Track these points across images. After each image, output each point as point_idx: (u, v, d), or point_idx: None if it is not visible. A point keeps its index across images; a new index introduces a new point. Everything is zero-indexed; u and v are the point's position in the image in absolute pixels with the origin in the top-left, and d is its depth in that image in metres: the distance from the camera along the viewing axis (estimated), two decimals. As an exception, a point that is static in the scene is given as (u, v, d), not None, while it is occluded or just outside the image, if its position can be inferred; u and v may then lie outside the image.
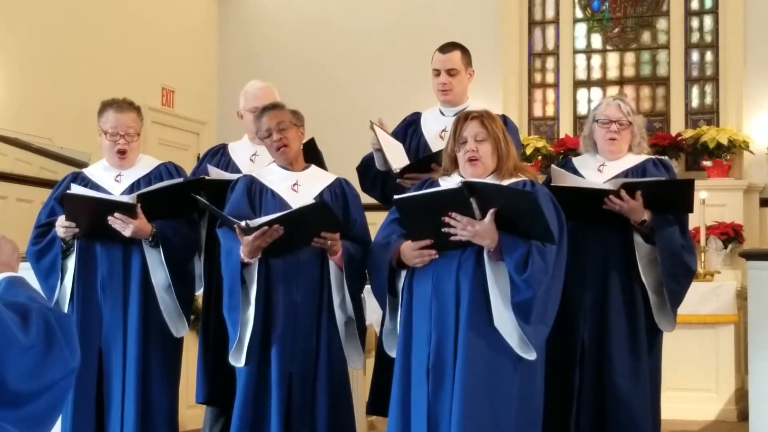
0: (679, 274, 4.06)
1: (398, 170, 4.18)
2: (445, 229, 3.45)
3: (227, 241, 3.92)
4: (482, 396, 3.41)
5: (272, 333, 3.89)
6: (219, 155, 4.72)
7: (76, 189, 4.23)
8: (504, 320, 3.43)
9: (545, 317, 3.50)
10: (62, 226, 4.16)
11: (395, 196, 3.91)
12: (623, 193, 3.94)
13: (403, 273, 3.65)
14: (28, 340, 1.59)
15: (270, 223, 3.75)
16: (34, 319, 1.62)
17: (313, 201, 3.90)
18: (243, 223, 3.79)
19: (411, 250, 3.57)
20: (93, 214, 4.15)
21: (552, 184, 4.12)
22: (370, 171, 4.40)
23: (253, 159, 4.57)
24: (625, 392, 4.02)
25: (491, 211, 3.42)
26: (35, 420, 1.61)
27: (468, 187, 3.46)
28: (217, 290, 4.51)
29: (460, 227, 3.43)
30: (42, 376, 1.60)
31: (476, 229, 3.41)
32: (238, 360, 3.87)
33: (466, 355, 3.42)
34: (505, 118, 4.21)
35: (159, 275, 4.21)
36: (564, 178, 4.21)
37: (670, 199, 4.04)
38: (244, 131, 4.76)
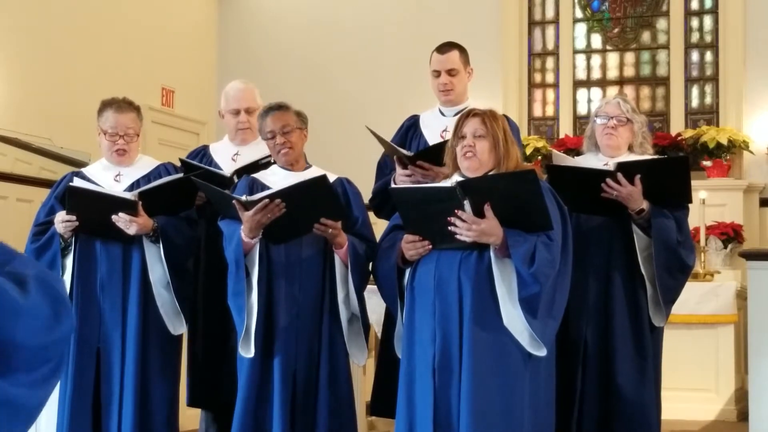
0: (674, 268, 4.05)
1: (411, 155, 4.17)
2: (450, 228, 3.45)
3: (229, 228, 3.91)
4: (491, 395, 3.40)
5: (275, 330, 3.88)
6: (200, 156, 4.73)
7: (78, 183, 4.23)
8: (513, 319, 3.42)
9: (553, 311, 3.49)
10: (62, 220, 4.16)
11: (391, 186, 3.91)
12: (620, 176, 3.94)
13: (408, 271, 3.65)
14: (28, 302, 1.62)
15: (271, 197, 3.74)
16: (32, 283, 1.66)
17: (314, 176, 3.89)
18: (243, 198, 3.78)
19: (406, 243, 3.57)
20: (94, 209, 4.15)
21: (552, 164, 4.14)
22: (386, 203, 4.31)
23: (234, 159, 4.57)
24: (630, 392, 4.01)
25: (487, 206, 3.41)
26: (44, 380, 1.65)
27: (462, 187, 3.46)
28: (204, 293, 4.53)
29: (465, 227, 3.42)
30: (53, 331, 1.63)
31: (482, 227, 3.40)
32: (247, 350, 3.84)
33: (472, 354, 3.41)
34: (506, 119, 4.21)
35: (157, 271, 4.21)
36: (564, 161, 4.23)
37: (666, 182, 4.02)
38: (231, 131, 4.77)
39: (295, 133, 4.06)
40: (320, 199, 3.82)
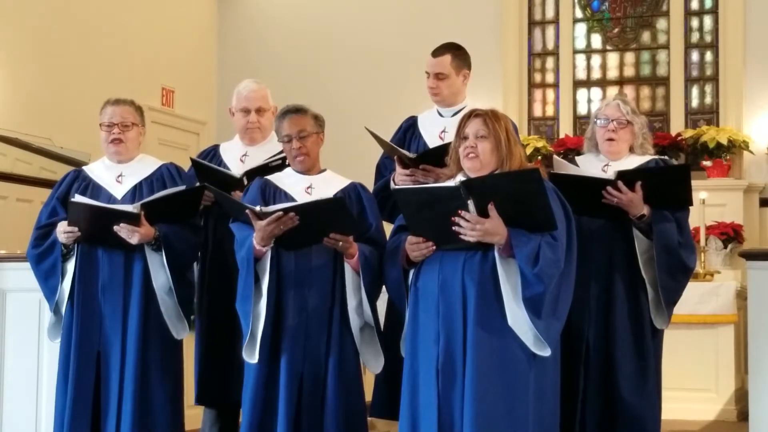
0: (676, 270, 4.05)
1: (414, 156, 4.17)
2: (454, 228, 3.44)
3: (241, 232, 3.89)
4: (495, 396, 3.40)
5: (283, 334, 3.86)
6: (210, 156, 4.74)
7: (80, 198, 4.22)
8: (518, 319, 3.41)
9: (557, 312, 3.48)
10: (64, 232, 4.17)
11: (395, 186, 3.90)
12: (621, 184, 3.94)
13: (412, 272, 3.65)
14: None
15: (285, 211, 3.74)
16: None
17: (332, 196, 3.88)
18: (257, 208, 3.77)
19: (410, 244, 3.57)
20: (96, 222, 4.15)
21: (553, 171, 4.13)
22: (386, 203, 4.33)
23: (243, 159, 4.57)
24: (631, 393, 4.01)
25: (491, 205, 3.41)
26: None
27: (466, 187, 3.46)
28: (211, 292, 4.53)
29: (469, 227, 3.41)
30: None
31: (486, 226, 3.40)
32: (252, 356, 3.82)
33: (475, 355, 3.41)
34: None
35: (160, 278, 4.21)
36: (565, 168, 4.23)
37: (667, 188, 4.03)
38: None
39: (311, 138, 4.03)
40: (336, 217, 3.80)
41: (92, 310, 4.21)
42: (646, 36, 9.48)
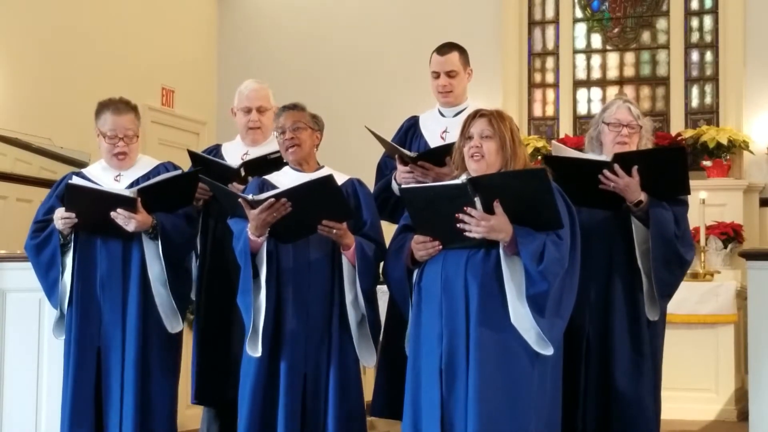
0: (671, 262, 4.05)
1: (414, 155, 4.18)
2: (459, 225, 3.45)
3: (237, 226, 3.91)
4: (499, 394, 3.41)
5: (284, 332, 3.87)
6: (212, 155, 4.74)
7: (78, 181, 4.23)
8: (521, 317, 3.42)
9: (560, 310, 3.49)
10: (61, 217, 4.17)
11: (402, 186, 3.91)
12: (617, 167, 3.95)
13: (416, 272, 3.65)
14: None
15: (277, 196, 3.75)
16: None
17: (321, 176, 3.89)
18: (249, 197, 3.79)
19: (416, 243, 3.58)
20: (93, 207, 4.15)
21: (551, 155, 4.14)
22: (386, 204, 4.35)
23: (243, 158, 4.58)
24: (627, 388, 4.02)
25: (496, 202, 3.42)
26: None
27: (473, 184, 3.46)
28: (209, 291, 4.54)
29: (475, 223, 3.42)
30: None
31: (491, 223, 3.41)
32: (254, 349, 3.82)
33: (478, 354, 3.41)
34: None
35: (155, 268, 4.22)
36: (563, 152, 4.24)
37: (663, 172, 4.02)
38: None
39: (305, 132, 4.04)
40: (327, 198, 3.81)
41: (91, 304, 4.22)
42: (646, 36, 9.49)
